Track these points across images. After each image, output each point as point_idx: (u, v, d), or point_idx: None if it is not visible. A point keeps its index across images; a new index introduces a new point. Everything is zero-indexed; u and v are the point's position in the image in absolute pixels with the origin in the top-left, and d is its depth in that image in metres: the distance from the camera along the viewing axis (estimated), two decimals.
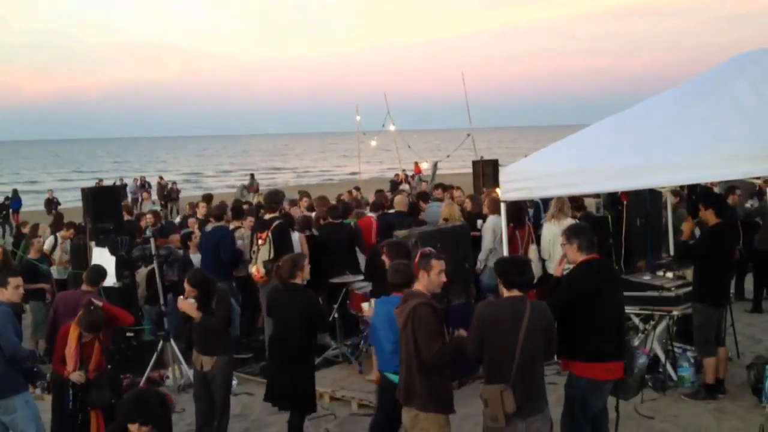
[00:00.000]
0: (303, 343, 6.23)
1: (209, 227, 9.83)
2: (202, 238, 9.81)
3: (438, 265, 5.01)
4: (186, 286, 6.46)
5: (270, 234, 8.49)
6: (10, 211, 30.32)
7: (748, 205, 11.25)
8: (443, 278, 5.06)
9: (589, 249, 5.34)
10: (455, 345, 4.89)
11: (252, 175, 34.22)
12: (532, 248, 8.88)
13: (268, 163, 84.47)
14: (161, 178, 35.07)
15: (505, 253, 6.84)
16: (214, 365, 6.40)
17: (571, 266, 5.49)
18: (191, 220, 12.62)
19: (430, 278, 4.99)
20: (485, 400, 4.59)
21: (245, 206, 11.81)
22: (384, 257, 6.37)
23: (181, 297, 6.46)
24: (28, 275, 10.24)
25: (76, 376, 5.98)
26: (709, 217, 7.25)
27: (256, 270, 8.54)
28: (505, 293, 4.79)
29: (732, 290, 10.09)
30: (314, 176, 62.12)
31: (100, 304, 6.34)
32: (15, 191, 32.99)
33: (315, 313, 6.23)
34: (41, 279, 10.08)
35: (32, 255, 10.64)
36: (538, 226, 9.53)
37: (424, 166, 26.86)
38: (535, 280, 8.40)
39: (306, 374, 6.30)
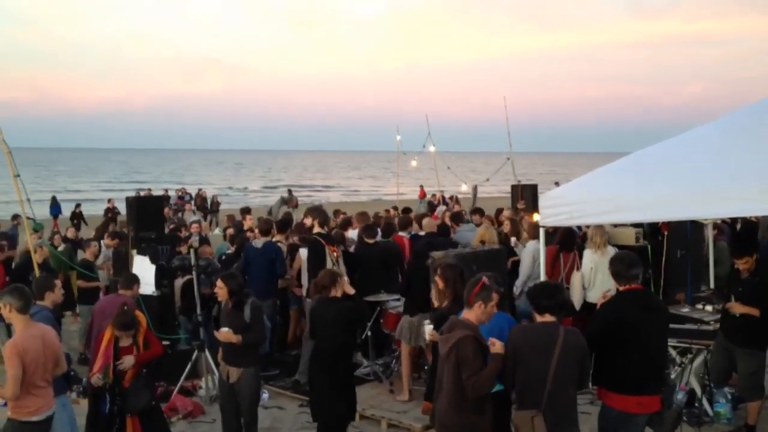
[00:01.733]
0: (342, 350, 6.34)
1: (259, 243, 9.65)
2: (250, 253, 9.63)
3: (497, 297, 4.91)
4: (219, 282, 6.58)
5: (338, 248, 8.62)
6: (56, 217, 31.05)
7: None
8: (495, 309, 4.95)
9: (627, 278, 5.25)
10: (492, 366, 4.69)
11: (290, 191, 34.30)
12: (576, 275, 8.71)
13: (309, 180, 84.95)
14: (200, 189, 35.57)
15: (542, 277, 6.80)
16: (240, 376, 6.48)
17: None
18: (229, 231, 12.76)
19: (486, 310, 4.86)
20: (516, 426, 4.57)
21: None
22: (438, 278, 6.38)
23: (216, 331, 6.54)
24: (83, 276, 10.57)
25: (95, 379, 6.09)
26: (754, 261, 7.13)
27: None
28: (538, 318, 4.76)
29: None
30: (355, 195, 62.42)
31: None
32: (54, 198, 33.84)
33: (355, 319, 6.45)
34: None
35: (88, 257, 11.02)
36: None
37: (464, 188, 26.81)
38: (578, 308, 8.31)
39: (345, 383, 6.39)
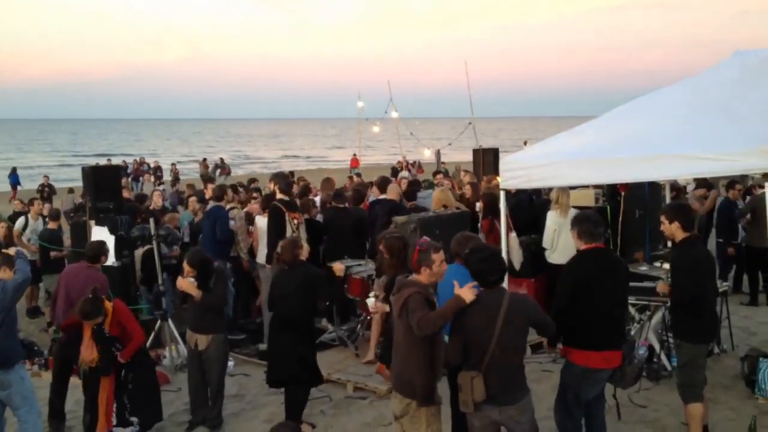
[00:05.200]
0: (304, 318, 6.37)
1: (208, 206, 9.89)
2: (203, 218, 9.87)
3: (438, 256, 4.83)
4: (185, 266, 6.54)
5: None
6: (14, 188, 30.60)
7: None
8: (445, 267, 4.87)
9: (590, 237, 5.30)
10: (447, 306, 4.66)
11: (222, 159, 34.58)
12: (512, 236, 8.72)
13: (272, 151, 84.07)
14: (173, 165, 35.40)
15: (503, 239, 6.83)
16: (209, 343, 6.50)
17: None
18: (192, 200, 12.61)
19: (433, 271, 4.82)
20: (459, 385, 4.64)
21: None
22: (383, 250, 6.37)
23: (181, 277, 6.52)
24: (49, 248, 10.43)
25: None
26: (676, 231, 5.79)
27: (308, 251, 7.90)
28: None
29: (729, 283, 10.12)
30: (316, 162, 62.08)
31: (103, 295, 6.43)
32: (14, 168, 33.48)
33: (318, 284, 6.37)
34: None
35: (52, 226, 10.93)
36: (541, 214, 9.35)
37: (427, 153, 26.88)
38: (518, 267, 8.35)
39: (310, 348, 6.44)
